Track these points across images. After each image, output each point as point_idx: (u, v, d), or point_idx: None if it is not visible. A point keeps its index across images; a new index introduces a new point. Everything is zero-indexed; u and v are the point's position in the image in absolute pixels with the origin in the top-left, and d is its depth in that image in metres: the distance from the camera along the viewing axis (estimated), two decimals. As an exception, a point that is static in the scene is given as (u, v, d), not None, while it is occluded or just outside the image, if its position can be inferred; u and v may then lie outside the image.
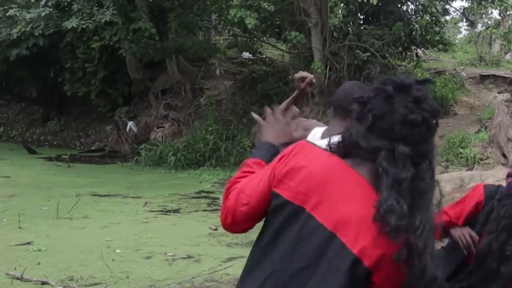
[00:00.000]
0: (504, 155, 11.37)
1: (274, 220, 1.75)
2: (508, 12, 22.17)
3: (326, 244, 1.67)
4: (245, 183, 1.86)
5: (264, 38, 19.34)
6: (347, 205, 1.67)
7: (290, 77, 17.26)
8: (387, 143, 1.66)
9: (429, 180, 1.68)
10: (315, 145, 1.83)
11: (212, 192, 12.09)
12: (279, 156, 1.82)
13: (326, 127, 2.97)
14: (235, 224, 1.86)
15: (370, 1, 13.52)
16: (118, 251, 6.84)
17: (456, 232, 2.93)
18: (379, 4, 14.50)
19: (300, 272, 1.69)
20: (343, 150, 1.74)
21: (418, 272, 1.65)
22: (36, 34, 16.67)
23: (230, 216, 1.86)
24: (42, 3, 16.33)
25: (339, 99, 2.82)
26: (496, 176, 9.98)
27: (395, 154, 1.64)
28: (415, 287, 1.67)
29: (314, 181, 1.71)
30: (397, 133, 1.66)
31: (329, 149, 1.77)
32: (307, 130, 2.94)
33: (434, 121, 1.71)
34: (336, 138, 1.77)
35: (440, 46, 18.92)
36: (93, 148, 20.10)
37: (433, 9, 17.40)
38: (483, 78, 19.79)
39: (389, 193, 1.61)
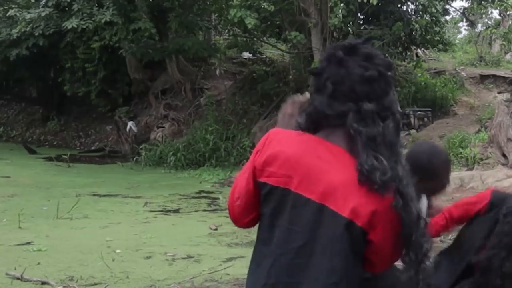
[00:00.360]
0: (504, 155, 11.36)
1: (266, 209, 1.80)
2: (508, 12, 22.17)
3: (317, 217, 1.72)
4: (237, 179, 1.92)
5: (264, 38, 19.34)
6: (328, 175, 1.71)
7: (290, 77, 17.29)
8: (353, 105, 1.71)
9: (395, 132, 1.74)
10: (284, 129, 1.89)
11: (212, 192, 12.09)
12: (255, 148, 1.86)
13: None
14: (237, 219, 1.93)
15: (370, 1, 13.51)
16: (118, 251, 6.84)
17: None
18: (379, 4, 14.50)
19: (299, 251, 1.73)
20: (313, 125, 1.79)
21: (414, 216, 1.70)
22: (36, 34, 16.68)
23: (231, 212, 1.93)
24: (42, 3, 16.33)
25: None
26: (496, 176, 9.98)
27: (362, 113, 1.70)
28: (413, 231, 1.71)
29: (292, 161, 1.75)
30: (358, 92, 1.71)
31: (300, 129, 1.81)
32: None
33: (390, 74, 1.76)
34: (302, 117, 1.82)
35: (440, 46, 18.92)
36: (93, 148, 20.10)
37: (433, 9, 17.40)
38: (483, 78, 19.80)
39: (367, 153, 1.67)
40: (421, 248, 1.79)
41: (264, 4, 15.98)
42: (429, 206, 2.84)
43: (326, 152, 1.75)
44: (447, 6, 19.23)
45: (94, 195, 11.16)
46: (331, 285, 1.71)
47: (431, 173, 2.59)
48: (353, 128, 1.69)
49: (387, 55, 15.82)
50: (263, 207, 1.81)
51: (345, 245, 1.70)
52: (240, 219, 1.92)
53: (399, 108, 1.79)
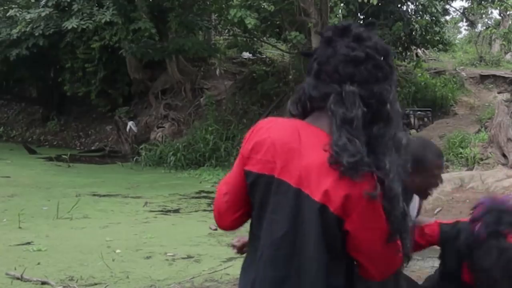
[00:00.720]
0: (504, 155, 11.36)
1: (254, 201, 1.74)
2: (508, 12, 22.17)
3: (296, 202, 1.65)
4: (226, 175, 1.87)
5: (264, 38, 19.35)
6: (307, 158, 1.65)
7: (290, 77, 17.29)
8: (337, 86, 1.63)
9: (384, 124, 1.64)
10: (275, 118, 1.82)
11: (212, 192, 12.08)
12: (245, 137, 1.81)
13: None
14: (222, 217, 1.86)
15: (370, 1, 13.52)
16: (118, 251, 6.84)
17: None
18: (379, 4, 14.51)
19: (282, 242, 1.67)
20: (302, 110, 1.73)
21: (399, 213, 1.62)
22: (36, 34, 16.68)
23: (217, 210, 1.86)
24: (42, 3, 16.33)
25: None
26: (496, 176, 9.97)
27: (343, 95, 1.61)
28: (399, 231, 1.64)
29: (277, 147, 1.69)
30: (342, 73, 1.63)
31: (291, 116, 1.76)
32: None
33: (383, 59, 1.66)
34: (292, 103, 1.77)
35: (440, 46, 18.94)
36: (93, 148, 20.10)
37: (433, 9, 17.42)
38: (483, 78, 19.81)
39: (340, 133, 1.58)
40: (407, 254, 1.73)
41: (264, 4, 15.98)
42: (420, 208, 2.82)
43: (310, 136, 1.68)
44: (447, 6, 19.26)
45: (94, 195, 11.15)
46: (319, 278, 1.64)
47: (423, 164, 2.55)
48: (330, 110, 1.62)
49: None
50: (252, 198, 1.75)
51: (320, 231, 1.62)
52: (225, 217, 1.85)
53: (398, 106, 1.69)
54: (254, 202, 1.75)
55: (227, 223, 1.88)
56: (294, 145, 1.67)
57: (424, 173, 2.58)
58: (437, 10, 17.76)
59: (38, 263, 6.24)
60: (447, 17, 21.10)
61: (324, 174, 1.60)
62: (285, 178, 1.66)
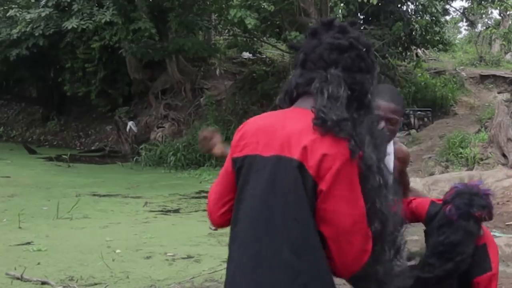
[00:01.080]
0: (504, 155, 11.36)
1: (238, 185, 1.74)
2: (508, 12, 22.18)
3: (275, 169, 1.65)
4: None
5: (264, 38, 19.35)
6: (287, 128, 1.68)
7: (290, 77, 17.29)
8: (322, 71, 1.70)
9: (365, 113, 1.69)
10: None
11: (212, 192, 12.08)
12: (235, 133, 1.85)
13: None
14: (211, 212, 1.87)
15: (370, 1, 13.53)
16: (118, 251, 6.84)
17: None
18: (379, 4, 14.52)
19: (260, 216, 1.65)
20: (289, 100, 1.79)
21: (377, 182, 1.64)
22: (36, 34, 16.68)
23: (209, 202, 1.89)
24: (42, 3, 16.33)
25: None
26: (496, 176, 9.97)
27: (328, 77, 1.68)
28: (376, 201, 1.64)
29: (262, 129, 1.73)
30: (326, 59, 1.71)
31: (279, 108, 1.82)
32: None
33: (366, 51, 1.74)
34: (280, 96, 1.84)
35: (440, 46, 18.95)
36: (93, 148, 20.10)
37: (433, 9, 17.43)
38: (483, 78, 19.82)
39: (326, 101, 1.64)
40: (393, 240, 1.72)
41: (264, 4, 15.99)
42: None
43: (294, 115, 1.72)
44: (447, 6, 19.27)
45: (94, 195, 11.15)
46: (300, 248, 1.59)
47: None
48: (316, 88, 1.68)
49: (387, 55, 15.83)
50: (237, 184, 1.75)
51: (303, 194, 1.61)
52: (215, 211, 1.84)
53: (376, 102, 1.79)
54: (238, 186, 1.75)
55: (216, 217, 1.87)
56: (278, 126, 1.71)
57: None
58: (437, 10, 17.76)
59: (38, 263, 6.24)
60: (447, 17, 21.13)
61: (305, 136, 1.63)
62: (267, 153, 1.68)
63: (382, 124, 2.60)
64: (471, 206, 2.79)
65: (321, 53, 1.72)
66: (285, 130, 1.68)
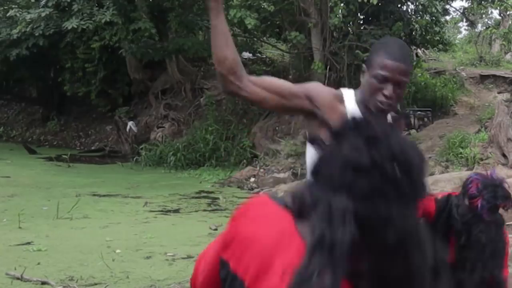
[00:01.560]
0: (504, 155, 11.36)
1: None
2: (508, 12, 22.18)
3: None
4: (207, 247, 1.55)
5: (264, 38, 19.34)
6: (272, 279, 1.27)
7: (290, 77, 17.28)
8: (330, 195, 1.20)
9: (399, 264, 1.18)
10: (271, 200, 1.39)
11: (212, 192, 12.09)
12: (229, 221, 1.43)
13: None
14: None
15: (370, 1, 13.52)
16: (118, 251, 6.84)
17: None
18: (379, 4, 14.51)
19: None
20: (297, 209, 1.32)
21: None
22: (36, 34, 16.69)
23: (192, 285, 1.55)
24: (42, 3, 16.33)
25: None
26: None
27: (331, 209, 1.18)
28: None
29: (256, 249, 1.31)
30: (337, 180, 1.21)
31: (286, 205, 1.36)
32: None
33: (398, 172, 1.18)
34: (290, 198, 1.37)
35: (440, 46, 18.95)
36: (93, 148, 20.10)
37: (433, 9, 17.42)
38: (483, 78, 19.82)
39: (311, 259, 1.15)
40: None
41: (264, 4, 15.98)
42: None
43: (290, 246, 1.28)
44: (447, 6, 19.25)
45: (94, 195, 11.16)
46: None
47: (369, 61, 2.46)
48: (310, 223, 1.22)
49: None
50: None
51: None
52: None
53: (425, 257, 1.20)
54: None
55: None
56: (273, 252, 1.29)
57: (369, 70, 2.40)
58: (437, 10, 17.75)
59: (38, 263, 6.24)
60: (447, 17, 21.11)
61: None
62: None
63: (390, 88, 2.31)
64: (496, 198, 2.71)
65: (333, 170, 1.22)
66: (270, 280, 1.29)
